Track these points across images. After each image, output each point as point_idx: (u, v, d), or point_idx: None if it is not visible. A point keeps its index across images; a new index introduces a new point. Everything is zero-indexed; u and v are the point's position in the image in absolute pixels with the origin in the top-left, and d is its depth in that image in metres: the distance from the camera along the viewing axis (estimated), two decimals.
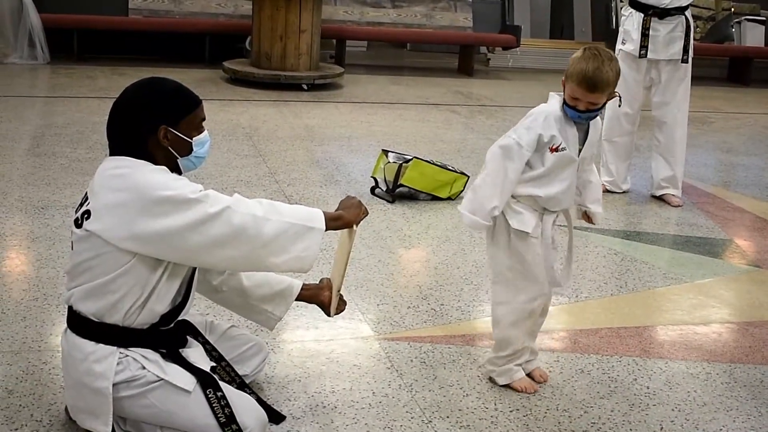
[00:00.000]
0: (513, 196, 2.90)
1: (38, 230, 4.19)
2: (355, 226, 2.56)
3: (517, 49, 10.74)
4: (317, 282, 2.84)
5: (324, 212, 2.47)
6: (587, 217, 3.15)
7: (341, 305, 2.81)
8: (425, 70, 10.53)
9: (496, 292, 3.03)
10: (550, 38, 11.84)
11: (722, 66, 11.74)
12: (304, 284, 2.80)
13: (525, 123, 2.88)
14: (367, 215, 2.60)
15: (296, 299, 2.78)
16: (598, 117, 2.91)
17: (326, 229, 2.44)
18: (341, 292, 2.78)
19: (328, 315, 2.81)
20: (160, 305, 2.42)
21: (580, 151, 2.89)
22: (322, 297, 2.78)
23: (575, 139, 2.86)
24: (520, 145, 2.83)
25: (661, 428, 2.86)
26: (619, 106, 3.03)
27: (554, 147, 2.83)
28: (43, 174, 5.11)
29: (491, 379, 3.06)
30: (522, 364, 3.07)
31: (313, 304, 2.85)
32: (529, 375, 3.09)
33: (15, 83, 7.95)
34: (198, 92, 2.60)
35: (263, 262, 2.40)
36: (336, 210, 2.55)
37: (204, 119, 2.51)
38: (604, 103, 2.82)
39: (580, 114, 2.80)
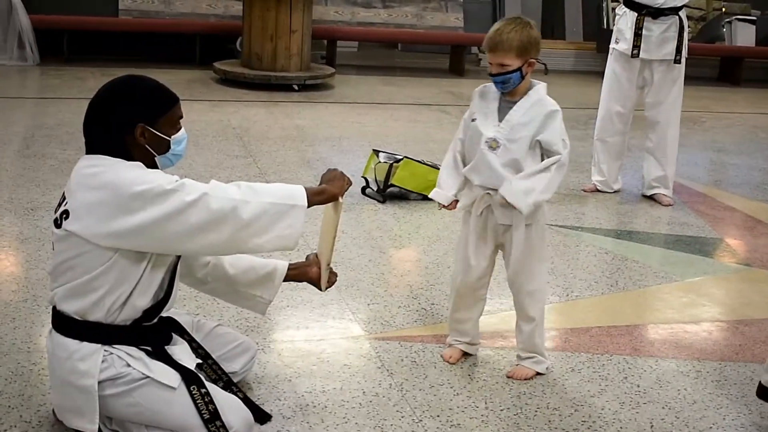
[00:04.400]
0: None
1: (27, 231, 4.18)
2: (341, 198, 2.55)
3: None
4: (303, 260, 2.83)
5: (306, 188, 2.45)
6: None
7: (332, 278, 2.80)
8: (416, 71, 10.54)
9: None
10: (542, 38, 11.85)
11: (713, 66, 11.77)
12: (290, 264, 2.78)
13: None
14: (351, 185, 2.60)
15: (284, 280, 2.76)
16: (549, 106, 2.92)
17: (310, 205, 2.43)
18: (330, 265, 2.77)
19: (320, 290, 2.81)
20: (143, 300, 2.41)
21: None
22: (310, 274, 2.77)
23: (494, 115, 2.96)
24: (464, 120, 3.09)
25: (652, 426, 2.86)
26: (545, 73, 3.07)
27: (472, 118, 3.01)
28: (32, 175, 5.09)
29: None
30: (461, 341, 3.22)
31: (303, 283, 2.84)
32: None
33: (4, 84, 7.93)
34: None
35: (246, 244, 2.38)
36: (319, 184, 2.54)
37: (181, 117, 2.49)
38: (519, 69, 2.87)
39: (495, 78, 2.91)
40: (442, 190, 3.07)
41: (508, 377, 3.11)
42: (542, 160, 2.93)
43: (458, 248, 3.16)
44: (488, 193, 2.97)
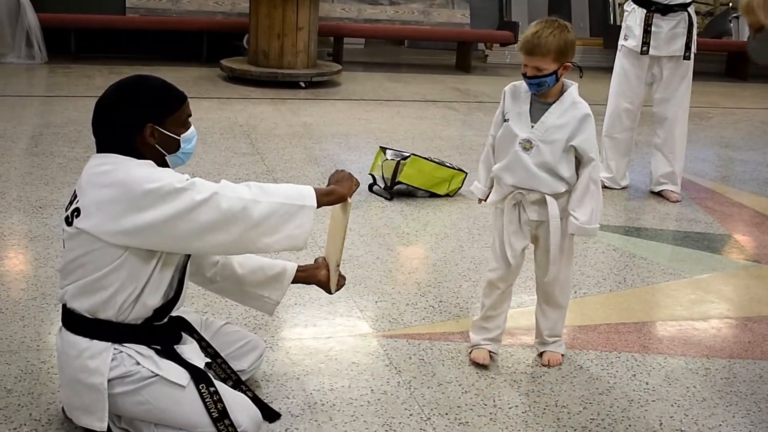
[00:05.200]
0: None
1: (36, 229, 4.19)
2: (349, 199, 2.55)
3: (515, 45, 10.73)
4: (312, 262, 2.82)
5: (315, 188, 2.46)
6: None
7: (341, 281, 2.80)
8: (423, 67, 10.53)
9: None
10: None
11: (720, 61, 11.74)
12: (299, 266, 2.78)
13: None
14: (359, 186, 2.60)
15: (293, 282, 2.76)
16: (583, 110, 2.93)
17: (319, 206, 2.43)
18: (339, 268, 2.76)
19: (329, 293, 2.81)
20: (153, 299, 2.42)
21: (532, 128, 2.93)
22: (319, 276, 2.76)
23: (526, 116, 2.94)
24: (496, 117, 3.07)
25: (661, 424, 2.85)
26: (580, 77, 3.04)
27: (505, 118, 3.00)
28: (41, 173, 5.10)
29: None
30: (490, 341, 3.19)
31: (311, 285, 2.83)
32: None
33: (12, 83, 7.95)
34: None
35: (255, 244, 2.39)
36: (327, 185, 2.54)
37: (190, 115, 2.50)
38: (555, 73, 2.86)
39: (529, 81, 2.88)
40: (480, 184, 3.16)
41: (545, 366, 3.16)
42: (576, 161, 2.96)
43: (494, 244, 3.12)
44: (520, 192, 2.98)
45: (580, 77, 3.09)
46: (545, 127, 2.91)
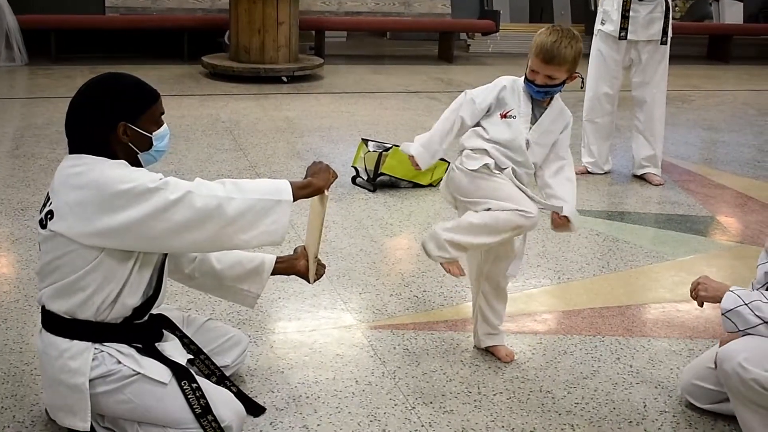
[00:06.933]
0: (470, 149, 2.95)
1: (18, 232, 4.17)
2: (326, 191, 2.55)
3: (497, 34, 10.74)
4: (291, 253, 2.83)
5: (291, 182, 2.46)
6: (557, 217, 3.01)
7: (320, 270, 2.80)
8: (405, 59, 10.52)
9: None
10: (530, 22, 11.83)
11: (702, 44, 11.77)
12: (277, 257, 2.79)
13: (488, 85, 2.97)
14: (336, 178, 2.60)
15: (272, 273, 2.76)
16: (568, 117, 2.99)
17: (295, 199, 2.43)
18: (318, 257, 2.76)
19: (309, 282, 2.81)
20: (132, 298, 2.42)
21: (529, 130, 2.91)
22: (298, 267, 2.77)
23: (528, 116, 2.92)
24: (473, 101, 2.93)
25: (645, 406, 2.87)
26: (581, 88, 3.02)
27: (504, 113, 2.92)
28: (22, 175, 5.08)
29: (423, 246, 2.99)
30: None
31: (293, 277, 2.84)
32: (490, 350, 3.16)
33: None
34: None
35: (232, 241, 2.39)
36: (304, 177, 2.54)
37: (163, 113, 2.49)
38: (563, 82, 2.88)
39: (538, 88, 2.86)
40: (425, 152, 2.94)
41: (509, 362, 3.11)
42: None
43: (500, 188, 2.88)
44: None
45: (581, 89, 3.08)
46: (541, 130, 2.93)
